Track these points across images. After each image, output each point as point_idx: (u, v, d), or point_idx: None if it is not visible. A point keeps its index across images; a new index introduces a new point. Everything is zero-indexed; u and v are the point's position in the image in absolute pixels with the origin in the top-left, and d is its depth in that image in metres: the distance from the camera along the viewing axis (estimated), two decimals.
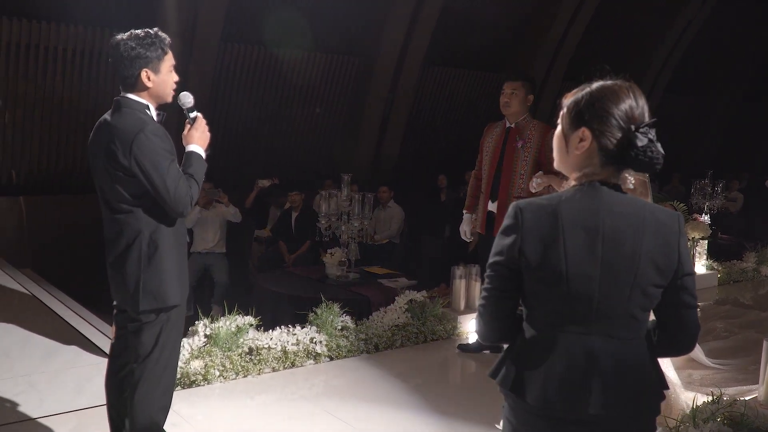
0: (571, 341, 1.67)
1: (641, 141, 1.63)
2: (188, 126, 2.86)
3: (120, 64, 2.67)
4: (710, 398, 3.36)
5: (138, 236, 2.67)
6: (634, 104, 1.67)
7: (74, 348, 4.52)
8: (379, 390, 4.06)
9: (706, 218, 7.10)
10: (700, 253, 6.72)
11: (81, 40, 7.50)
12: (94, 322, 5.10)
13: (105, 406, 2.93)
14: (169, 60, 2.73)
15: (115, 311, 2.87)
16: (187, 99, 2.86)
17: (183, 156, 2.82)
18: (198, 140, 2.83)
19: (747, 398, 3.44)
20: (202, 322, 4.13)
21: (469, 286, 5.17)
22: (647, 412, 1.73)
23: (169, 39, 2.75)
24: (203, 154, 2.84)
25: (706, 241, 6.77)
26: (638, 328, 1.70)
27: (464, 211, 4.92)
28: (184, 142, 2.84)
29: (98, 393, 3.67)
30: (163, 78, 2.72)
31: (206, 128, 2.88)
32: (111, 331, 4.11)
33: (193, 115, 2.86)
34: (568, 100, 1.75)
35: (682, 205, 6.74)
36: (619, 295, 1.65)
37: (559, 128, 1.77)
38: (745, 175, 14.56)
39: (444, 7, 9.85)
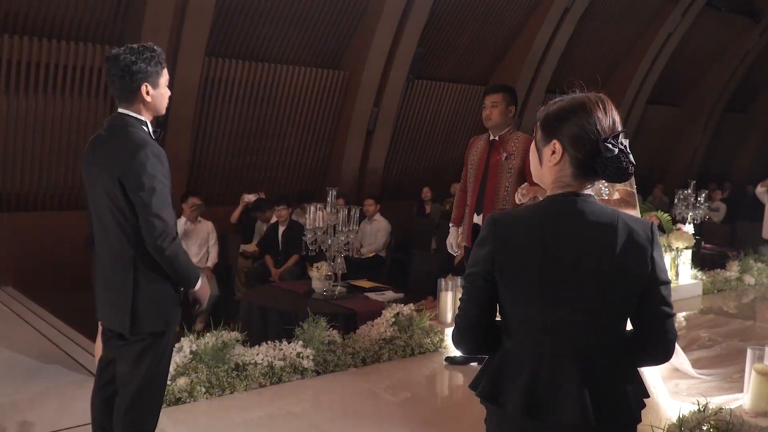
0: (547, 351, 1.69)
1: (610, 152, 1.67)
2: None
3: (119, 77, 2.66)
4: (696, 407, 3.37)
5: (133, 255, 2.65)
6: (603, 116, 1.70)
7: (57, 367, 4.47)
8: (367, 404, 4.05)
9: (689, 228, 7.15)
10: (684, 263, 6.76)
11: (64, 55, 7.47)
12: (78, 341, 5.06)
13: (88, 426, 2.90)
14: (165, 75, 2.76)
15: (104, 329, 2.85)
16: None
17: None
18: (202, 290, 2.85)
19: (732, 407, 3.46)
20: (187, 338, 4.10)
21: (456, 299, 5.17)
22: (627, 421, 1.74)
23: (164, 54, 2.77)
24: (196, 286, 2.80)
25: (690, 251, 6.81)
26: (615, 336, 1.72)
27: (450, 224, 4.93)
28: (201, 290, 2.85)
29: (82, 412, 3.63)
30: (160, 92, 2.74)
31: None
32: (96, 347, 4.10)
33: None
34: (540, 114, 1.79)
35: (665, 215, 6.80)
36: (593, 305, 1.67)
37: (533, 142, 1.82)
38: (727, 185, 14.74)
39: (428, 22, 9.92)
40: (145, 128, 2.72)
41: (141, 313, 2.66)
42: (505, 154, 4.47)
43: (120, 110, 2.72)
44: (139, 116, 2.71)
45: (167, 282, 2.71)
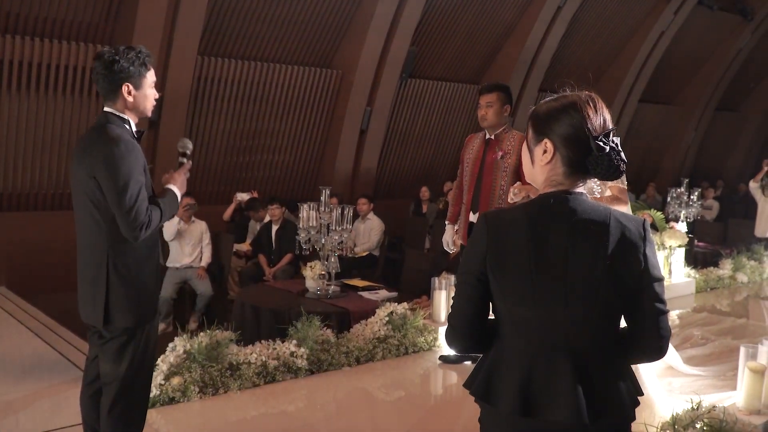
0: (541, 349, 1.69)
1: (602, 150, 1.67)
2: (176, 170, 2.97)
3: (102, 76, 2.69)
4: (690, 405, 3.39)
5: (110, 252, 2.65)
6: (594, 114, 1.70)
7: (51, 366, 4.45)
8: (361, 403, 4.05)
9: (682, 226, 7.17)
10: (677, 261, 6.78)
11: (56, 55, 7.42)
12: (71, 340, 5.04)
13: (81, 426, 2.90)
14: (150, 76, 2.77)
15: (86, 325, 2.85)
16: (189, 146, 3.06)
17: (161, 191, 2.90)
18: (179, 184, 2.92)
19: (726, 404, 3.47)
20: (181, 337, 4.09)
21: (449, 298, 5.16)
22: (622, 419, 1.74)
23: (152, 56, 2.79)
24: (179, 197, 2.90)
25: (683, 249, 6.84)
26: (609, 334, 1.72)
27: (446, 222, 4.94)
28: (164, 180, 2.92)
29: (75, 412, 3.61)
30: (144, 93, 2.75)
31: (186, 178, 3.00)
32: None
33: (185, 160, 3.03)
34: (531, 114, 1.80)
35: (659, 213, 6.82)
36: (586, 303, 1.66)
37: (525, 142, 1.83)
38: (720, 183, 14.82)
39: (421, 21, 9.92)
40: (128, 127, 2.73)
41: (114, 309, 2.66)
42: (500, 153, 4.48)
43: (105, 109, 2.75)
44: (122, 115, 2.73)
45: (141, 278, 2.72)
